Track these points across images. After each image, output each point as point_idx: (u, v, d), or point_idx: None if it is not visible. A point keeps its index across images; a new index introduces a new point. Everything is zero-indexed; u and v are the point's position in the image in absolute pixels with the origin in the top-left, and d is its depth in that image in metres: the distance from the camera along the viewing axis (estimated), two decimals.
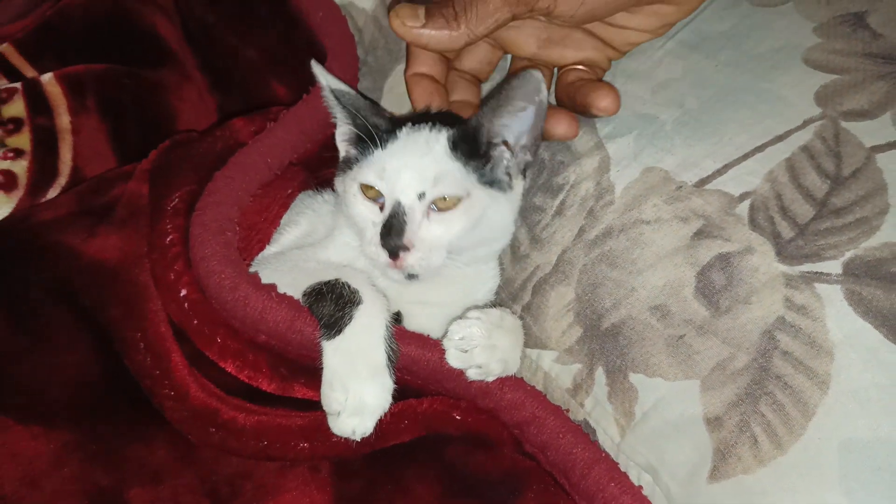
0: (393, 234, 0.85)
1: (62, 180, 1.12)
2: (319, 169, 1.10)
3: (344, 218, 0.96)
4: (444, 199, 0.87)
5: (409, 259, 0.86)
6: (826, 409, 0.70)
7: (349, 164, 0.95)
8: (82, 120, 1.16)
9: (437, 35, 0.90)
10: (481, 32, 0.90)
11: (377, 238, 0.86)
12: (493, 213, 0.91)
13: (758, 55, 0.92)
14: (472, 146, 0.90)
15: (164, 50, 1.28)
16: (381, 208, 0.88)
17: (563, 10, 0.89)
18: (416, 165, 0.88)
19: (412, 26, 0.90)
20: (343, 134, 0.99)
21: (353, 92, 0.96)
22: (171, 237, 0.89)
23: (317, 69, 0.94)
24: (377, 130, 0.91)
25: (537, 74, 0.87)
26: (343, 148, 0.99)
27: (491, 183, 0.91)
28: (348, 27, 1.17)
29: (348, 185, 0.92)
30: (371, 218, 0.89)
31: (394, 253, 0.85)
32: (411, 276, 0.88)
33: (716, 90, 0.91)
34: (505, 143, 0.92)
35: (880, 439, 0.68)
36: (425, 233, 0.87)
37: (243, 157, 0.96)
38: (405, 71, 1.04)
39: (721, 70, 0.93)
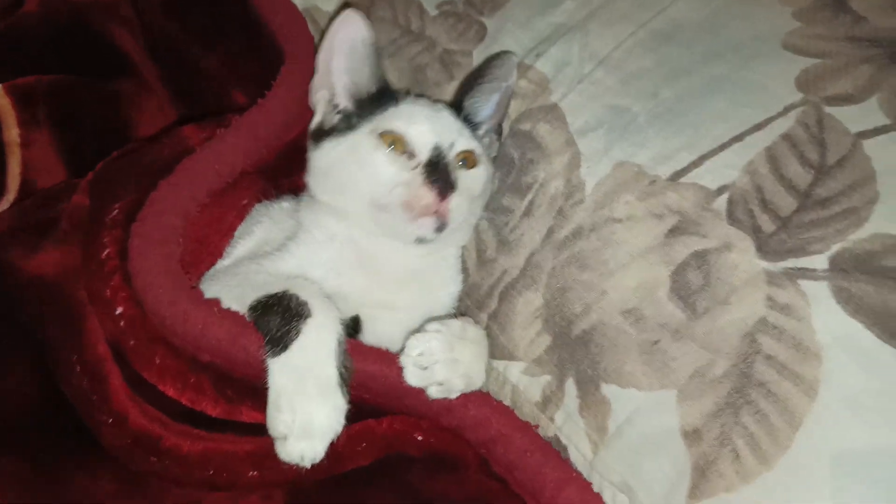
0: (441, 171, 0.83)
1: (10, 196, 1.07)
2: (278, 178, 1.04)
3: (320, 201, 0.91)
4: (466, 158, 0.88)
5: (454, 201, 0.83)
6: (815, 417, 0.63)
7: (329, 132, 0.92)
8: (33, 133, 1.11)
9: None
10: None
11: (418, 179, 0.83)
12: (488, 186, 0.93)
13: (735, 43, 0.87)
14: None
15: (123, 61, 1.24)
16: (410, 157, 0.86)
17: None
18: (439, 117, 0.89)
19: None
20: (327, 97, 0.94)
21: None
22: (107, 251, 0.82)
23: (353, 16, 0.90)
24: (390, 93, 0.91)
25: (513, 59, 0.93)
26: (322, 112, 0.95)
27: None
28: (308, 30, 1.12)
29: (358, 141, 0.88)
30: (400, 164, 0.85)
31: (442, 192, 0.82)
32: (440, 229, 0.85)
33: (691, 79, 0.86)
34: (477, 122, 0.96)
35: (876, 449, 0.61)
36: (461, 179, 0.86)
37: (190, 164, 0.90)
38: None
39: (697, 59, 0.88)
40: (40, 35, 1.20)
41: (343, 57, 0.91)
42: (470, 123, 0.94)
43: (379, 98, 0.91)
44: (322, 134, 0.93)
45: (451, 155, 0.87)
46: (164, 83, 1.26)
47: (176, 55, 1.24)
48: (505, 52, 0.94)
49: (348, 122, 0.90)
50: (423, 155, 0.86)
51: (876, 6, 0.86)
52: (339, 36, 0.90)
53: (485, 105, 0.95)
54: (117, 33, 1.25)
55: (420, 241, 0.86)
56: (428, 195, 0.82)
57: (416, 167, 0.85)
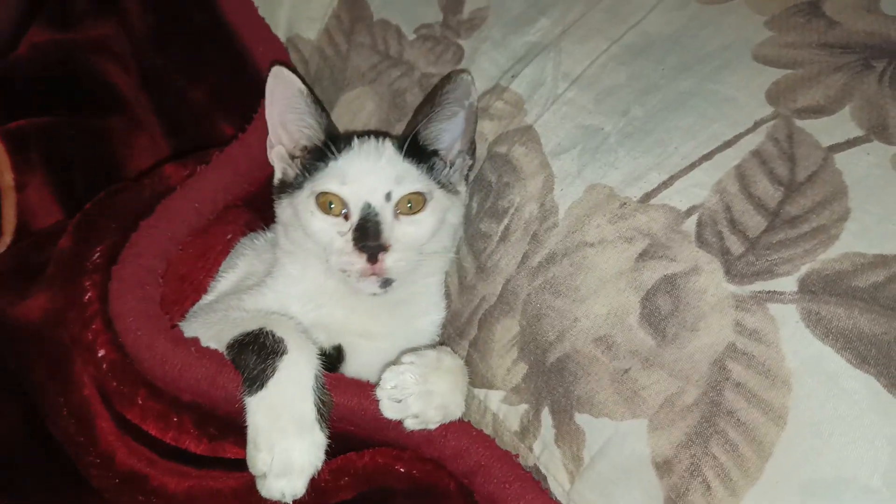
0: (370, 235, 0.82)
1: (6, 239, 1.10)
2: (267, 208, 1.05)
3: (285, 249, 0.92)
4: (411, 200, 0.86)
5: (389, 260, 0.82)
6: (784, 447, 0.62)
7: (288, 185, 0.92)
8: (26, 176, 1.13)
9: None
10: None
11: (349, 245, 0.83)
12: (451, 216, 0.91)
13: (705, 55, 0.85)
14: (415, 152, 0.90)
15: (114, 98, 1.26)
16: (347, 218, 0.85)
17: None
18: (376, 168, 0.87)
19: None
20: (282, 152, 0.93)
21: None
22: (89, 294, 0.84)
23: (281, 72, 0.89)
24: (335, 139, 0.89)
25: (467, 78, 0.90)
26: (280, 167, 0.94)
27: (443, 185, 0.91)
28: (289, 60, 1.13)
29: (300, 203, 0.88)
30: (336, 229, 0.85)
31: (372, 256, 0.81)
32: (386, 284, 0.84)
33: (662, 96, 0.85)
34: (441, 149, 0.93)
35: (846, 480, 0.59)
36: (399, 233, 0.85)
37: (169, 204, 0.91)
38: None
39: (667, 74, 0.86)
40: (31, 78, 1.22)
41: (285, 112, 0.90)
42: (426, 152, 0.91)
43: (326, 149, 0.88)
44: (283, 188, 0.92)
45: (388, 208, 0.85)
46: (157, 116, 1.28)
47: (165, 87, 1.26)
48: (456, 72, 0.91)
49: (299, 177, 0.90)
50: (355, 217, 0.84)
51: (850, 8, 0.83)
52: (275, 93, 0.89)
53: (447, 130, 0.92)
54: (108, 70, 1.27)
55: (373, 295, 0.85)
56: (359, 261, 0.82)
57: (349, 230, 0.84)
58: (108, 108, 1.23)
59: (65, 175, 1.16)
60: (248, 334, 0.79)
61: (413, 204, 0.86)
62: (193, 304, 0.93)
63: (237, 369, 0.79)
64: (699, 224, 0.73)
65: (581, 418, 0.74)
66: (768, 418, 0.63)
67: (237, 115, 1.16)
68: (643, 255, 0.75)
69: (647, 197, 0.78)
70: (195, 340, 0.81)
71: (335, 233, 0.85)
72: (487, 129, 0.97)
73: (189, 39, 1.23)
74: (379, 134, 0.94)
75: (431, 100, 0.91)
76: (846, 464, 0.60)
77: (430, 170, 0.91)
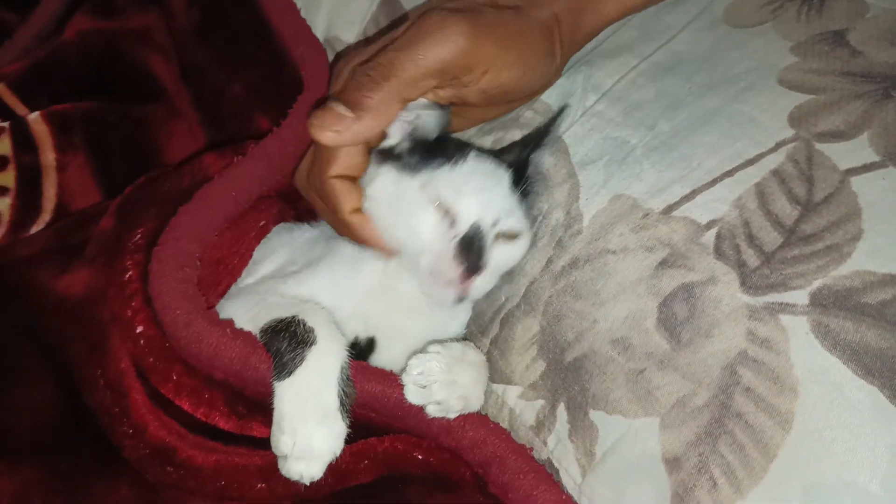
0: (474, 252, 0.84)
1: (46, 217, 1.14)
2: (298, 200, 1.09)
3: (341, 241, 0.93)
4: (510, 231, 0.88)
5: (478, 281, 0.85)
6: (788, 450, 0.65)
7: (392, 157, 0.91)
8: (68, 157, 1.17)
9: (367, 128, 0.83)
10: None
11: (450, 253, 0.84)
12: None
13: (732, 76, 0.89)
14: (519, 185, 0.92)
15: (155, 87, 1.30)
16: (452, 224, 0.86)
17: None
18: (491, 192, 0.88)
19: (341, 130, 0.83)
20: (404, 125, 0.91)
21: None
22: (129, 273, 0.88)
23: None
24: (453, 147, 0.91)
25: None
26: (398, 135, 0.91)
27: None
28: (326, 60, 1.17)
29: (410, 190, 0.88)
30: (441, 231, 0.86)
31: (467, 272, 0.83)
32: (460, 300, 0.86)
33: (688, 113, 0.88)
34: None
35: (846, 484, 0.63)
36: (492, 258, 0.86)
37: (207, 191, 0.95)
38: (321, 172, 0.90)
39: (694, 92, 0.90)
40: (77, 63, 1.27)
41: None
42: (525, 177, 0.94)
43: (442, 144, 0.90)
44: (387, 155, 0.91)
45: (492, 233, 0.86)
46: (195, 107, 1.32)
47: (204, 80, 1.29)
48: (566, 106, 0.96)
49: (412, 158, 0.90)
50: (462, 228, 0.85)
51: (873, 39, 0.86)
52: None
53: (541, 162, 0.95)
54: (151, 60, 1.31)
55: (439, 305, 0.88)
56: (453, 271, 0.83)
57: (452, 238, 0.84)
58: (148, 97, 1.27)
59: (104, 158, 1.20)
60: (280, 321, 0.83)
61: (512, 232, 0.89)
62: (228, 286, 0.96)
63: (269, 352, 0.83)
64: (718, 237, 0.77)
65: (595, 415, 0.78)
66: (775, 422, 0.67)
67: (274, 109, 1.20)
68: (663, 264, 0.78)
69: (670, 209, 0.81)
70: (230, 322, 0.85)
71: (437, 232, 0.85)
72: (517, 137, 1.00)
73: (231, 35, 1.27)
74: (484, 151, 0.96)
75: (545, 133, 0.94)
76: (847, 469, 0.63)
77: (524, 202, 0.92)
